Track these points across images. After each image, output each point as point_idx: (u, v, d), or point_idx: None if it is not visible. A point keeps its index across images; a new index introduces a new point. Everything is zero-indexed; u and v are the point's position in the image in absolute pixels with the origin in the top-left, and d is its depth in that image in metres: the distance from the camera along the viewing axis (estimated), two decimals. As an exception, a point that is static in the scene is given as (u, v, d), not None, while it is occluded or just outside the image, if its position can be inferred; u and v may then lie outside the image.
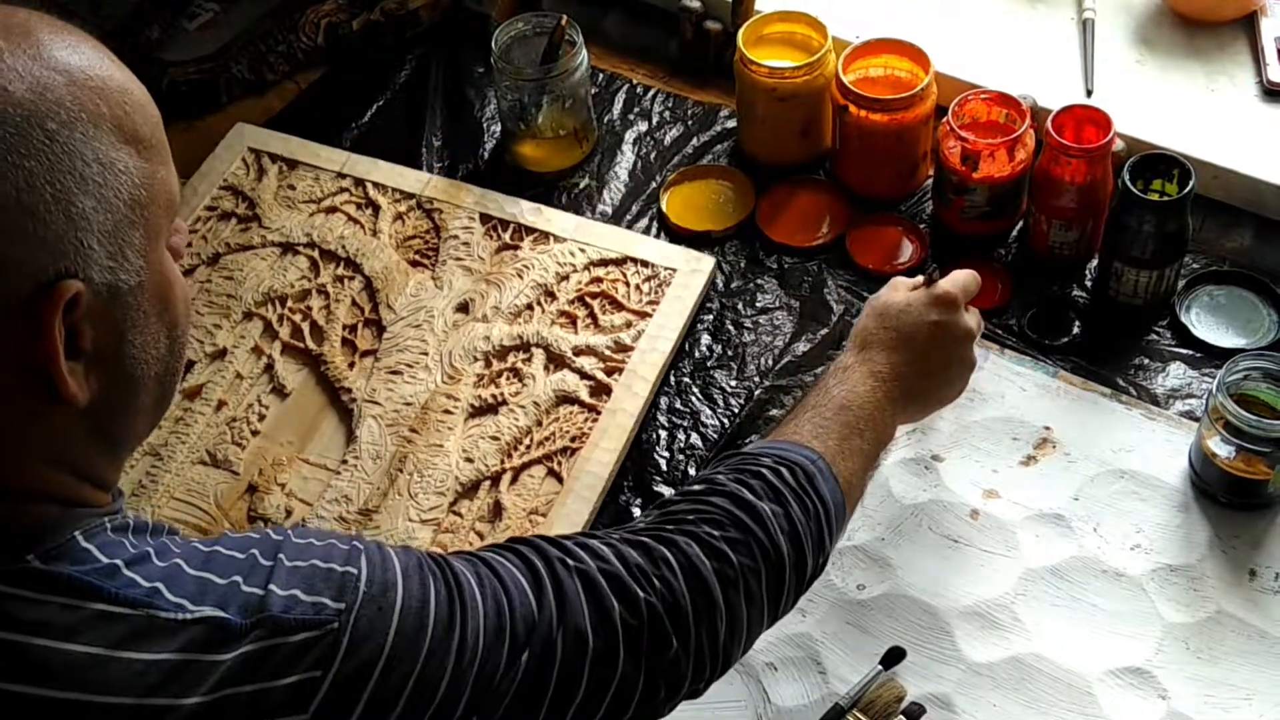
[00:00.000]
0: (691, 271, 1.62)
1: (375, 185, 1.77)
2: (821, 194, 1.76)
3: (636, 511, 1.49)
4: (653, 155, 1.83)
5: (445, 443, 1.52)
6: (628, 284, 1.63)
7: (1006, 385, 1.53)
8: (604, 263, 1.65)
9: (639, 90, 1.91)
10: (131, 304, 0.86)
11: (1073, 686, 1.32)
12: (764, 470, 1.15)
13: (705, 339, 1.63)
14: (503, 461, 1.51)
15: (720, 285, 1.68)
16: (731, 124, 1.84)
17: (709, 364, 1.61)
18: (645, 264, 1.64)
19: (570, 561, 1.01)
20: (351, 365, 1.60)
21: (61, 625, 0.80)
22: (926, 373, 1.34)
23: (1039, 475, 1.46)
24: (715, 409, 1.57)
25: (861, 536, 1.44)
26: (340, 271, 1.69)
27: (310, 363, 1.62)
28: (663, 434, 1.55)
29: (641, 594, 1.02)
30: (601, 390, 1.54)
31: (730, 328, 1.64)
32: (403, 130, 1.89)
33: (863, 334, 1.35)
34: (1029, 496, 1.45)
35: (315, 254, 1.71)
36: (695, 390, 1.59)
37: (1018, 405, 1.52)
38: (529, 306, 1.62)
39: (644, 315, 1.59)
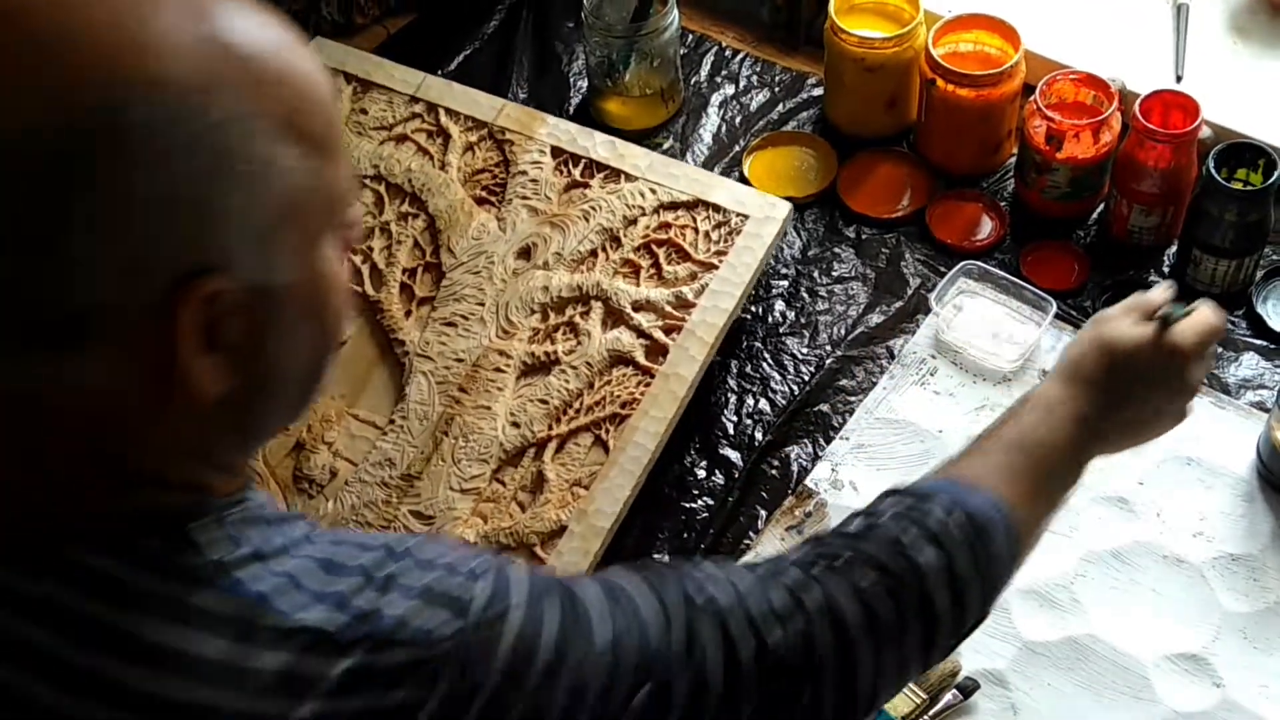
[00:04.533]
0: (765, 218, 1.56)
1: (448, 112, 1.71)
2: (904, 166, 1.76)
3: (700, 474, 1.51)
4: (738, 119, 1.84)
5: (493, 404, 1.51)
6: (696, 230, 1.58)
7: (1078, 367, 1.53)
8: (674, 205, 1.60)
9: (727, 53, 1.92)
10: (278, 303, 0.81)
11: (1128, 670, 1.33)
12: (931, 522, 1.03)
13: (779, 305, 1.64)
14: (550, 427, 1.49)
15: (797, 252, 1.69)
16: (818, 92, 1.85)
17: (781, 330, 1.62)
18: (717, 208, 1.58)
19: (706, 596, 0.95)
20: (408, 314, 1.58)
21: (177, 614, 0.78)
22: (1134, 424, 1.20)
23: (1105, 458, 1.46)
24: (785, 375, 1.58)
25: (925, 509, 1.45)
26: (405, 208, 1.65)
27: (367, 309, 1.60)
28: (731, 398, 1.57)
29: (780, 635, 0.95)
30: (657, 351, 1.51)
31: (805, 295, 1.65)
32: (488, 80, 1.90)
33: (1078, 366, 1.17)
34: (1093, 478, 1.42)
35: (381, 187, 1.67)
36: (766, 356, 1.60)
37: (1088, 387, 1.52)
38: (592, 253, 1.59)
39: (710, 267, 1.54)
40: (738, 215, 1.57)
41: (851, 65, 1.72)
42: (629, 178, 1.62)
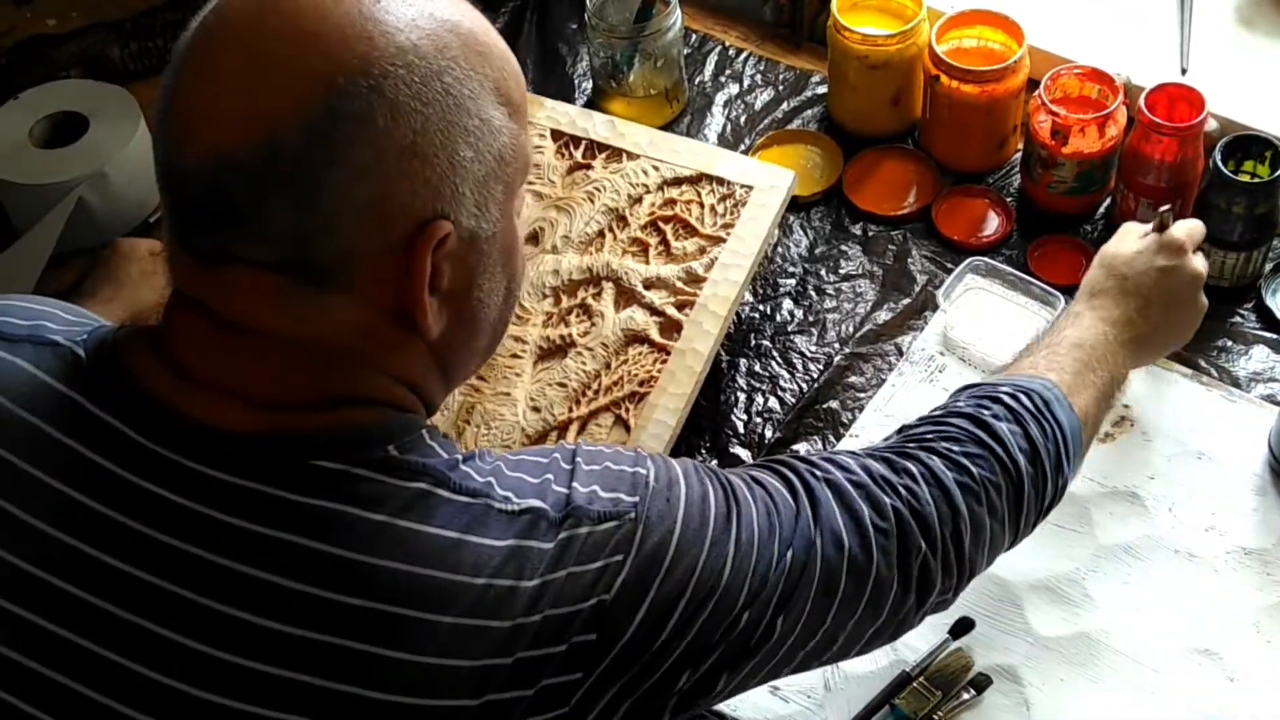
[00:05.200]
0: (769, 187, 1.57)
1: None
2: (909, 163, 1.76)
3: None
4: (743, 118, 1.84)
5: (513, 390, 1.51)
6: (702, 205, 1.58)
7: (1087, 362, 1.53)
8: (678, 181, 1.60)
9: (731, 53, 1.92)
10: (485, 252, 0.95)
11: (1140, 664, 1.33)
12: (1002, 395, 1.18)
13: (787, 303, 1.64)
14: (570, 410, 1.49)
15: (804, 250, 1.69)
16: (822, 90, 1.85)
17: (789, 328, 1.62)
18: (721, 181, 1.59)
19: (819, 473, 1.06)
20: None
21: (419, 508, 0.90)
22: (1155, 318, 1.35)
23: (1116, 453, 1.46)
24: (794, 373, 1.58)
25: (935, 506, 1.45)
26: None
27: None
28: (741, 396, 1.57)
29: (888, 500, 1.06)
30: (672, 327, 1.51)
31: (812, 293, 1.65)
32: (494, 84, 1.89)
33: (1091, 284, 1.37)
34: (1105, 473, 1.45)
35: None
36: (775, 354, 1.60)
37: (1097, 382, 1.52)
38: (600, 234, 1.59)
39: (718, 240, 1.55)
40: (742, 187, 1.57)
41: (855, 63, 1.72)
42: (630, 156, 1.63)
